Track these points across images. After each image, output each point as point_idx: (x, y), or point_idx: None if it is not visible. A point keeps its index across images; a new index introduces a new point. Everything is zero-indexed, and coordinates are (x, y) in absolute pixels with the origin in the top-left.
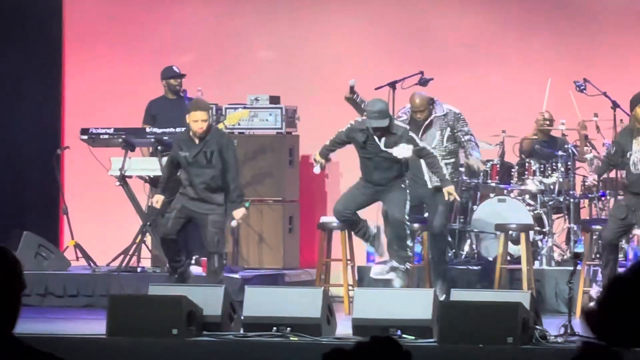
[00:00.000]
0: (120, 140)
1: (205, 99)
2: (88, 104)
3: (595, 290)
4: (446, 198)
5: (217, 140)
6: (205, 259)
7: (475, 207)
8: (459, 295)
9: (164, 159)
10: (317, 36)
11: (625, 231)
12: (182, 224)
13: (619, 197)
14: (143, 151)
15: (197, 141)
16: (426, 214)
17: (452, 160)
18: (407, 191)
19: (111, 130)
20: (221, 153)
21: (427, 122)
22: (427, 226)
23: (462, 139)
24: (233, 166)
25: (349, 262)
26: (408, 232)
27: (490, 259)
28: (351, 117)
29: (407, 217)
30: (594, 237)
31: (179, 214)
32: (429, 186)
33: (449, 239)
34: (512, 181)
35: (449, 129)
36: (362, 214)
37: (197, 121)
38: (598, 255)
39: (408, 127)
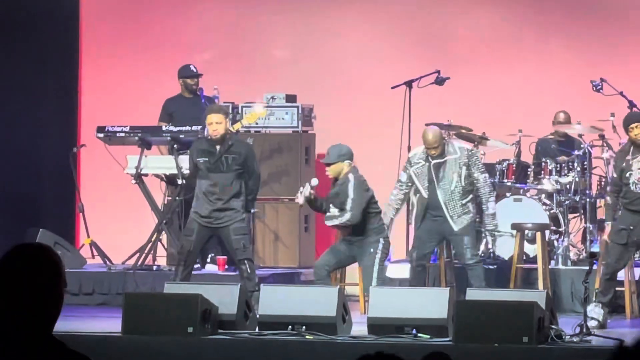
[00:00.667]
0: (136, 138)
1: (222, 97)
2: (104, 102)
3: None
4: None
5: (240, 149)
6: (222, 257)
7: None
8: (474, 294)
9: (180, 157)
10: (334, 35)
11: (630, 256)
12: (203, 244)
13: (614, 221)
14: (160, 149)
15: (217, 147)
16: (453, 250)
17: (470, 197)
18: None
19: (127, 129)
20: (245, 162)
21: (441, 161)
22: (459, 261)
23: (478, 179)
24: (256, 174)
25: None
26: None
27: (506, 258)
28: (366, 117)
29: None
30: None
31: (198, 237)
32: (454, 229)
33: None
34: (528, 180)
35: (465, 167)
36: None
37: (211, 124)
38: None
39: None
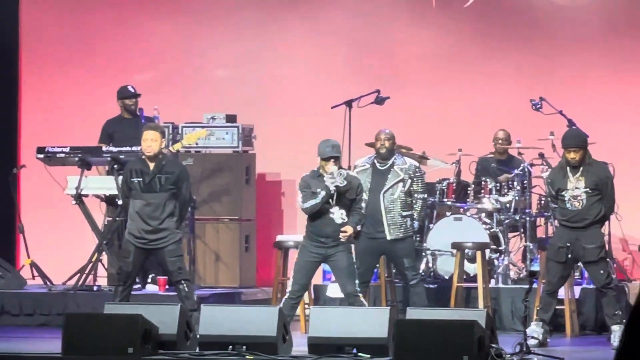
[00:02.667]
0: (76, 159)
1: (162, 117)
2: (44, 123)
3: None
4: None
5: (173, 169)
6: (162, 277)
7: (431, 225)
8: (414, 313)
9: (120, 178)
10: (274, 55)
11: (569, 273)
12: (141, 264)
13: (551, 239)
14: (99, 170)
15: (151, 166)
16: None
17: (410, 213)
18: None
19: (67, 149)
20: (177, 182)
21: (387, 168)
22: (400, 279)
23: (417, 197)
24: (184, 197)
25: None
26: (362, 299)
27: (447, 277)
28: (307, 137)
29: (357, 289)
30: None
31: (136, 258)
32: (388, 238)
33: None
34: (468, 200)
35: (409, 180)
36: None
37: (146, 140)
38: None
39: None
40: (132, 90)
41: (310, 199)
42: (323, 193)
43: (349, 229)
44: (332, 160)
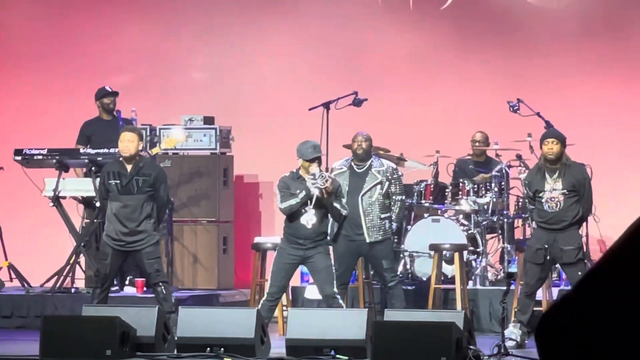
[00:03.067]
0: (54, 161)
1: (140, 119)
2: (22, 125)
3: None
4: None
5: (150, 171)
6: (140, 279)
7: (409, 227)
8: (392, 315)
9: (98, 180)
10: (251, 57)
11: (547, 275)
12: (119, 266)
13: (528, 241)
14: (77, 172)
15: (128, 168)
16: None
17: (388, 215)
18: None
19: (45, 151)
20: (154, 184)
21: (364, 170)
22: (379, 282)
23: (395, 199)
24: (162, 199)
25: None
26: (340, 301)
27: (424, 279)
28: (284, 139)
29: (336, 290)
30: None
31: (113, 260)
32: (367, 241)
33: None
34: (446, 201)
35: (387, 183)
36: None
37: (122, 141)
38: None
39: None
40: (110, 89)
41: (289, 199)
42: (303, 194)
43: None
44: (316, 161)
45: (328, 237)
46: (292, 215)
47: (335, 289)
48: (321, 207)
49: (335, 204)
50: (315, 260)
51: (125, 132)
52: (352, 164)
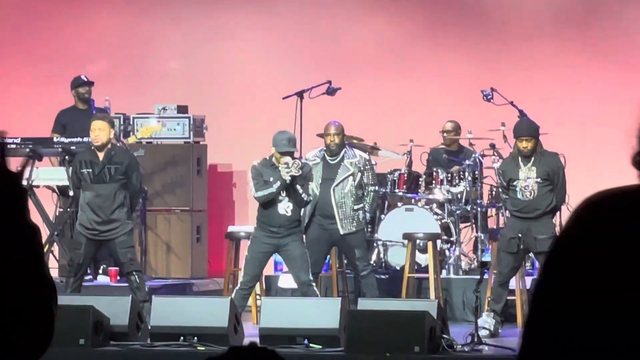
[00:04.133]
0: (27, 149)
1: (113, 108)
2: None
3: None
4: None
5: (122, 159)
6: (113, 268)
7: (382, 216)
8: (366, 304)
9: (71, 169)
10: (225, 46)
11: (520, 264)
12: (92, 255)
13: (502, 230)
14: (52, 161)
15: (100, 157)
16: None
17: (361, 205)
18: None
19: (18, 140)
20: (126, 172)
21: (337, 161)
22: (352, 271)
23: (368, 190)
24: (134, 187)
25: None
26: (315, 288)
27: (398, 268)
28: (258, 128)
29: (311, 278)
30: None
31: (87, 250)
32: (341, 232)
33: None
34: (419, 190)
35: (359, 174)
36: None
37: (93, 130)
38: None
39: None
40: (85, 79)
41: (264, 187)
42: (278, 183)
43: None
44: (288, 155)
45: (302, 225)
46: (267, 204)
47: (310, 277)
48: (292, 196)
49: (298, 188)
50: (290, 248)
51: (95, 120)
52: (325, 154)
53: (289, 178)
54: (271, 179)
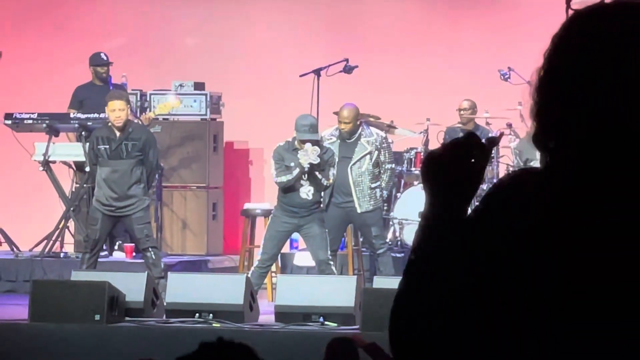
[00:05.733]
0: (44, 125)
1: (130, 84)
2: (12, 88)
3: None
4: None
5: (140, 135)
6: (129, 244)
7: (399, 194)
8: (381, 282)
9: (88, 145)
10: (243, 23)
11: None
12: (108, 231)
13: None
14: (69, 136)
15: (117, 133)
16: (361, 238)
17: (378, 183)
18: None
19: (35, 115)
20: (143, 149)
21: (353, 140)
22: (368, 249)
23: (385, 168)
24: (151, 163)
25: None
26: (333, 267)
27: None
28: (275, 105)
29: (329, 256)
30: None
31: (103, 226)
32: (358, 211)
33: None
34: None
35: (376, 152)
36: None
37: (114, 110)
38: None
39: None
40: (105, 58)
41: (284, 174)
42: (297, 170)
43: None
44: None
45: (322, 206)
46: (288, 188)
47: (329, 255)
48: (314, 181)
49: (317, 174)
50: (309, 227)
51: (114, 100)
52: (341, 133)
53: (308, 166)
54: (292, 164)
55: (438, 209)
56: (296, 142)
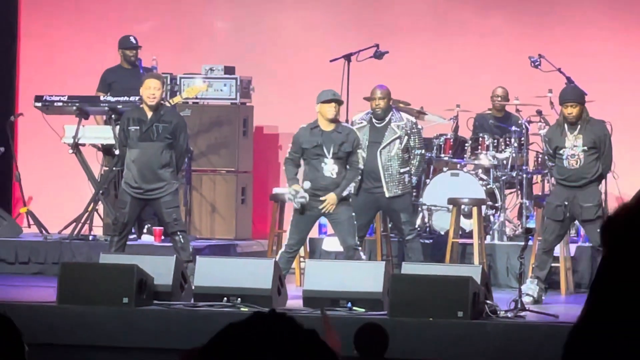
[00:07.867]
0: (74, 108)
1: (160, 68)
2: (42, 71)
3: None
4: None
5: (171, 118)
6: (158, 228)
7: (428, 180)
8: (410, 268)
9: (118, 128)
10: (273, 7)
11: (566, 232)
12: (137, 214)
13: (548, 198)
14: (98, 119)
15: (149, 115)
16: (390, 224)
17: (407, 169)
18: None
19: (65, 98)
20: (174, 132)
21: (384, 124)
22: (397, 235)
23: (414, 153)
24: (181, 147)
25: None
26: (361, 253)
27: (442, 232)
28: (305, 90)
29: (357, 242)
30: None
31: (132, 209)
32: (387, 195)
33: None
34: (465, 155)
35: (406, 137)
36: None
37: (149, 88)
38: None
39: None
40: (134, 42)
41: (290, 166)
42: (289, 190)
43: (330, 199)
44: (334, 103)
45: (352, 191)
46: (312, 169)
47: (357, 241)
48: (340, 157)
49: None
50: (337, 211)
51: (151, 79)
52: (372, 117)
53: (298, 206)
54: (315, 143)
55: None
56: (318, 118)
